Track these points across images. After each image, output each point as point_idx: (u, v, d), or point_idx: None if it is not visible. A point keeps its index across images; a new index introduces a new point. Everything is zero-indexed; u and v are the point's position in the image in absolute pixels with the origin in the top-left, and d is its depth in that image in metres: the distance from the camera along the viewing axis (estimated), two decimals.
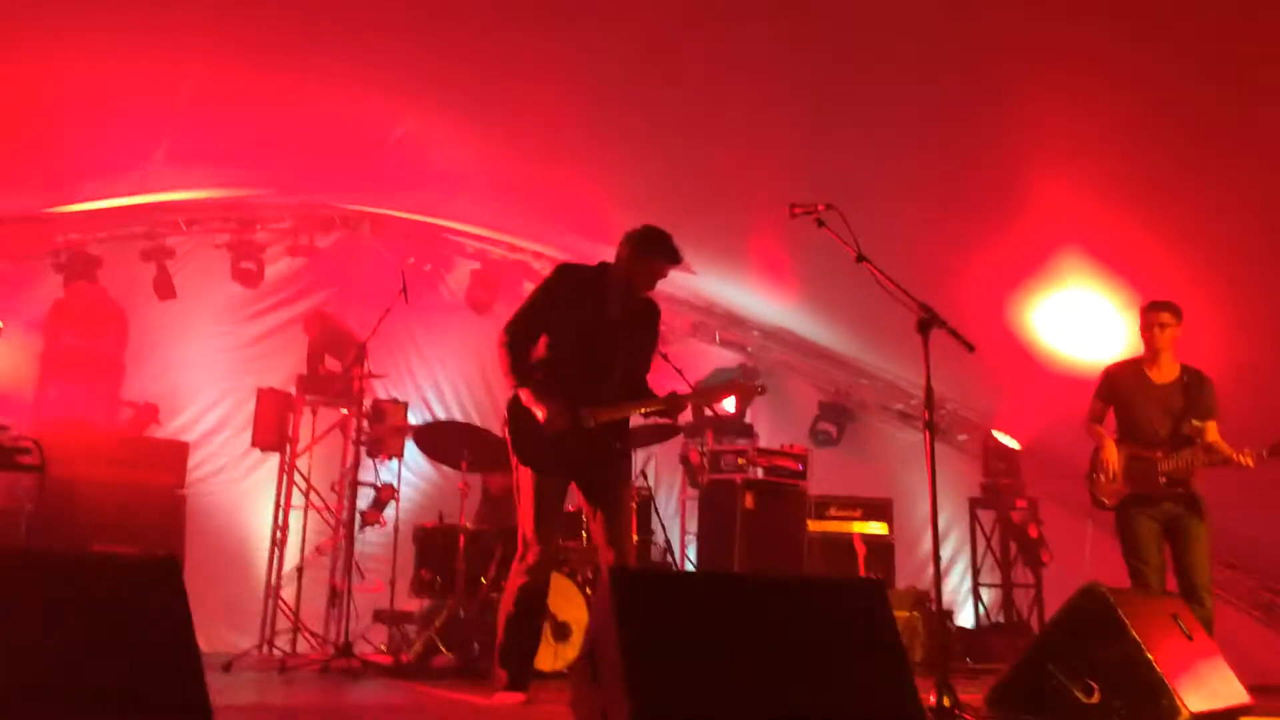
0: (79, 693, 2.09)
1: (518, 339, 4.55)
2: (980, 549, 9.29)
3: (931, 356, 4.11)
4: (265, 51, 5.88)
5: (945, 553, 9.51)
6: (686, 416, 8.17)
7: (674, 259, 4.59)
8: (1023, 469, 9.28)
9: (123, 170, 7.24)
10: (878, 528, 8.37)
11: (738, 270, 8.83)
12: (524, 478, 4.48)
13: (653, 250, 4.56)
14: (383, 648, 7.31)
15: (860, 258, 4.30)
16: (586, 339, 4.54)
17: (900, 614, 7.15)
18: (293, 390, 7.99)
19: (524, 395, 4.46)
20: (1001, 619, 9.09)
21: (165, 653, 2.22)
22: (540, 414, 4.40)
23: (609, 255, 4.70)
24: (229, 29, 5.55)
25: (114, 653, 2.17)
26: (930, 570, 4.58)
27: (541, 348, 4.60)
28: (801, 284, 8.55)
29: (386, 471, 7.75)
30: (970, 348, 4.10)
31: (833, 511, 8.33)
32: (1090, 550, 7.03)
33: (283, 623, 7.29)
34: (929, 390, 4.16)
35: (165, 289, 8.33)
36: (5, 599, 2.07)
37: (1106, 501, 5.48)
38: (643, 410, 4.66)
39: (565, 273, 4.69)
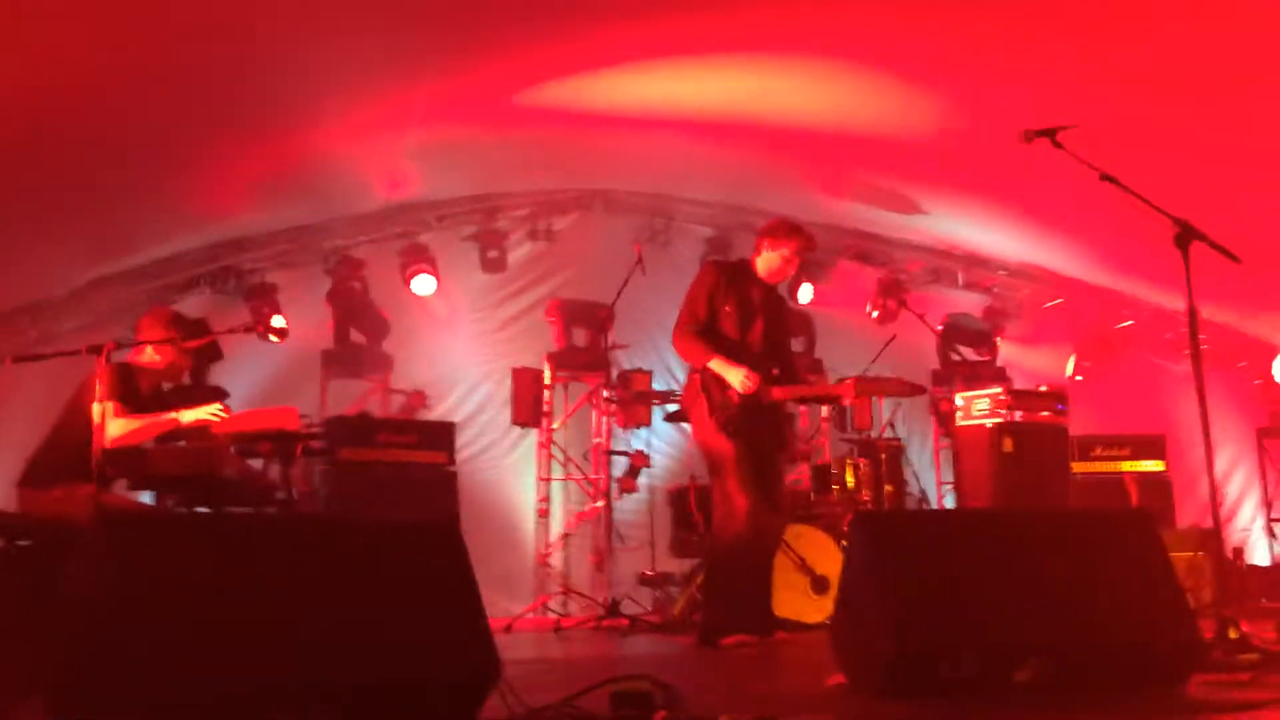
0: (377, 642, 2.32)
1: (694, 329, 5.09)
2: (1271, 482, 8.56)
3: (1203, 274, 3.83)
4: (481, 42, 6.14)
5: (1233, 488, 8.83)
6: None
7: (809, 242, 5.29)
8: None
9: (376, 177, 7.80)
10: (1152, 465, 7.87)
11: (975, 208, 8.49)
12: (726, 446, 4.92)
13: (789, 236, 5.21)
14: (648, 608, 7.58)
15: (1104, 177, 4.07)
16: (744, 323, 5.11)
17: (1183, 555, 6.72)
18: (545, 367, 8.38)
19: (717, 363, 4.98)
20: None
21: (454, 605, 2.43)
22: (737, 377, 4.91)
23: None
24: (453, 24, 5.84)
25: (407, 606, 2.40)
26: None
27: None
28: (1045, 215, 8.12)
29: (637, 440, 8.00)
30: (1235, 259, 3.79)
31: (1099, 451, 7.90)
32: None
33: (553, 588, 7.70)
34: (1192, 312, 3.88)
35: (422, 284, 8.91)
36: (309, 557, 2.33)
37: None
38: (809, 397, 5.48)
39: (711, 269, 5.33)
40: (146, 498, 4.85)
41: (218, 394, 5.91)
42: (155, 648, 2.00)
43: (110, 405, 4.19)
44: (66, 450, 4.40)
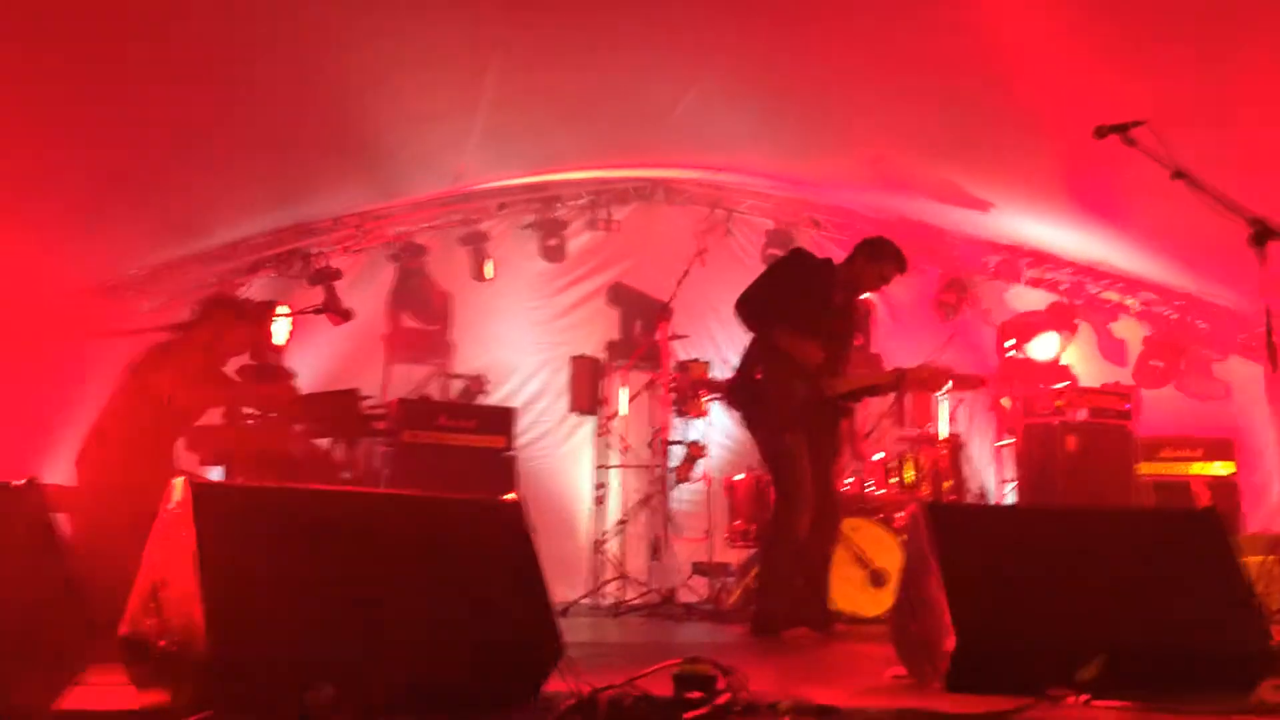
0: (445, 615, 2.36)
1: (756, 309, 5.09)
2: None
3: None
4: (558, 28, 6.14)
5: None
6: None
7: (902, 267, 5.25)
8: None
9: (440, 163, 7.86)
10: (1221, 469, 7.70)
11: (1043, 204, 8.34)
12: (787, 441, 4.93)
13: (886, 258, 5.17)
14: (703, 597, 7.58)
15: (1176, 174, 3.99)
16: (811, 323, 5.05)
17: (1252, 560, 6.55)
18: (603, 356, 8.42)
19: (783, 336, 4.94)
20: None
21: (518, 582, 2.46)
22: (803, 351, 4.88)
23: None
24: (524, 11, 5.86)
25: (475, 581, 2.43)
26: None
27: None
28: (1114, 212, 7.96)
29: (695, 430, 8.01)
30: None
31: (1166, 453, 7.74)
32: None
33: (609, 574, 7.74)
34: (1269, 313, 3.80)
35: (482, 271, 9.00)
36: (383, 531, 2.37)
37: None
38: (868, 386, 5.38)
39: (799, 258, 5.39)
40: (215, 473, 4.98)
41: (285, 375, 6.02)
42: (242, 615, 2.05)
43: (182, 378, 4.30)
44: (125, 426, 4.52)
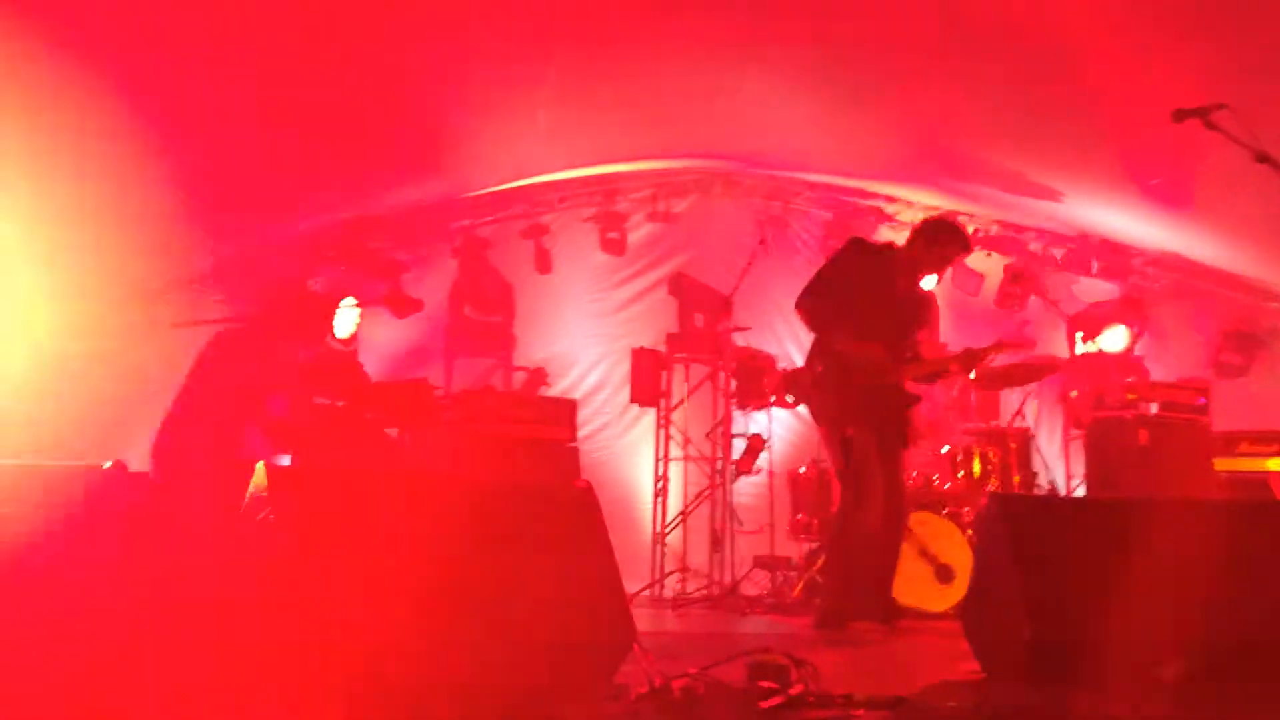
0: (519, 605, 2.36)
1: (817, 309, 5.00)
2: None
3: None
4: (618, 20, 6.13)
5: None
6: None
7: (965, 246, 5.25)
8: None
9: (503, 155, 7.89)
10: None
11: (1114, 193, 8.15)
12: (853, 432, 4.90)
13: (947, 239, 5.14)
14: (763, 590, 7.55)
15: (1261, 157, 3.86)
16: (875, 312, 4.99)
17: None
18: (664, 348, 8.40)
19: (843, 341, 4.91)
20: None
21: (593, 570, 2.46)
22: (864, 354, 4.84)
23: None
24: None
25: (548, 570, 2.43)
26: None
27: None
28: (1190, 199, 7.76)
29: (756, 423, 7.96)
30: None
31: (1244, 448, 7.51)
32: None
33: (669, 567, 7.73)
34: None
35: (544, 263, 9.03)
36: (456, 520, 2.38)
37: None
38: (936, 369, 5.32)
39: (857, 248, 5.27)
40: (284, 462, 5.05)
41: (354, 365, 6.10)
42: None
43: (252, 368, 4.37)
44: (198, 415, 4.61)
